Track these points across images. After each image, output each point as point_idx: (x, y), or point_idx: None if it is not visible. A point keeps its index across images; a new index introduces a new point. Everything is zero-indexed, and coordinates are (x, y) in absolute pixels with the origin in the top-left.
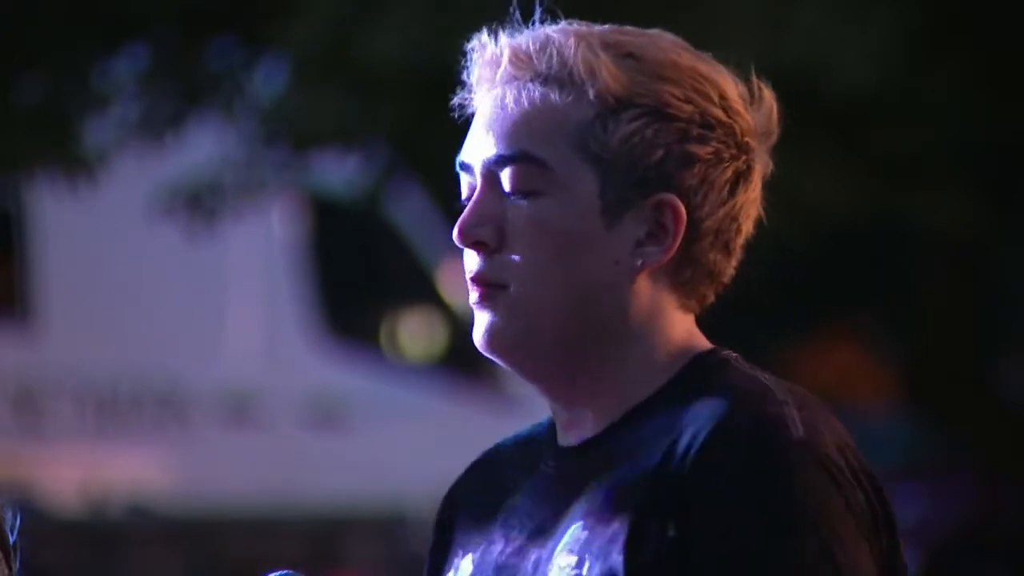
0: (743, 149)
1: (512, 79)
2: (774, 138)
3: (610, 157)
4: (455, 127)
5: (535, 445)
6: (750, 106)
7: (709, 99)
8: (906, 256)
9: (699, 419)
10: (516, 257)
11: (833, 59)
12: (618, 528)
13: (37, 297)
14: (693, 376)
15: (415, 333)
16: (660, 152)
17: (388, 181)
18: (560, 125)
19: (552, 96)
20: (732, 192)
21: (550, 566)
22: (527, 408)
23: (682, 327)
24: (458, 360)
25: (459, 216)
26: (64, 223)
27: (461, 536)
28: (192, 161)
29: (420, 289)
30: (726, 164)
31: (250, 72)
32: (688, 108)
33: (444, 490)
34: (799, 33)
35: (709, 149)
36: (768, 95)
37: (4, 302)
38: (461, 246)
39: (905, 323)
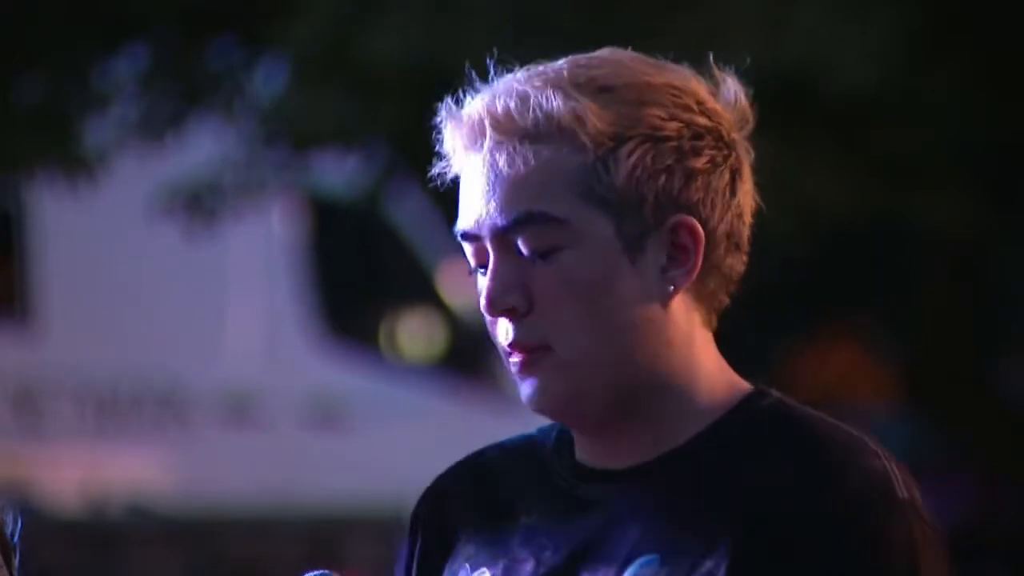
0: (731, 148)
1: (498, 144)
2: (751, 124)
3: (618, 196)
4: None
5: (538, 457)
6: (717, 98)
7: (690, 109)
8: (906, 256)
9: (786, 467)
10: (550, 317)
11: (833, 59)
12: (712, 569)
13: (37, 297)
14: (752, 416)
15: (415, 333)
16: (663, 177)
17: (388, 181)
18: (561, 177)
19: (545, 152)
20: (732, 192)
21: None
22: (526, 408)
23: (711, 352)
24: (458, 360)
25: (477, 284)
26: (64, 223)
27: (465, 548)
28: (192, 161)
29: (420, 290)
30: (722, 168)
31: (250, 72)
32: (675, 125)
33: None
34: (799, 33)
35: (704, 159)
36: (731, 82)
37: (4, 302)
38: (491, 316)
39: (905, 323)
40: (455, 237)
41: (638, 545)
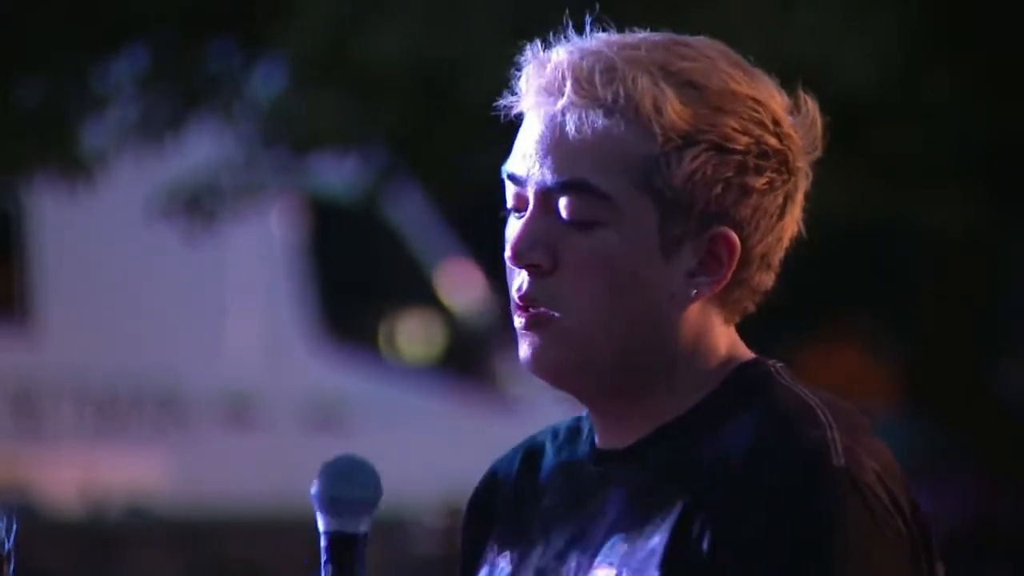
0: (793, 173)
1: (573, 105)
2: (818, 152)
3: (672, 194)
4: (454, 128)
5: (575, 441)
6: (794, 118)
7: (764, 127)
8: (906, 256)
9: (737, 439)
10: (569, 285)
11: (833, 59)
12: (656, 544)
13: (36, 298)
14: (735, 389)
15: (414, 335)
16: (720, 187)
17: (387, 183)
18: (623, 158)
19: (616, 128)
20: (781, 216)
21: None
22: (526, 409)
23: (725, 339)
24: (457, 362)
25: (508, 227)
26: (63, 225)
27: (500, 531)
28: (191, 163)
29: (419, 291)
30: (778, 192)
31: (249, 74)
32: (745, 140)
33: (446, 490)
34: (799, 33)
35: (764, 180)
36: (812, 106)
37: (3, 303)
38: (514, 267)
39: (905, 323)
40: (501, 173)
41: (613, 526)
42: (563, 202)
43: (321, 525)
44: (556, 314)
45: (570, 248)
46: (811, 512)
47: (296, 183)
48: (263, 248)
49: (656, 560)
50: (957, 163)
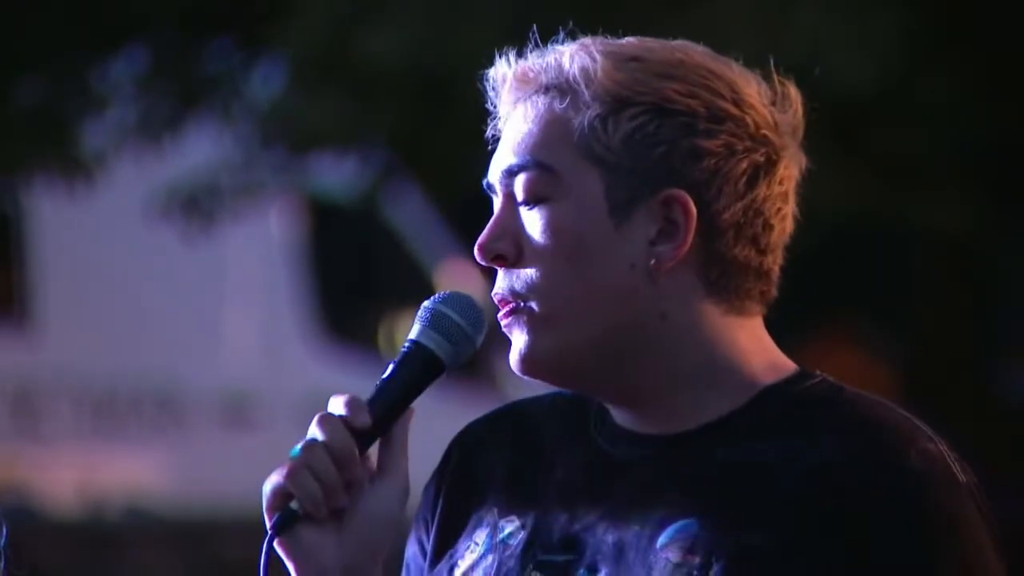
0: (760, 142)
1: (521, 97)
2: (800, 134)
3: (614, 157)
4: (454, 128)
5: (578, 415)
6: (774, 105)
7: (717, 93)
8: (906, 256)
9: (856, 449)
10: (533, 268)
11: (832, 59)
12: (761, 543)
13: (35, 299)
14: (801, 395)
15: None
16: (663, 148)
17: (386, 183)
18: (564, 131)
19: (555, 104)
20: (751, 185)
21: (652, 557)
22: None
23: (747, 334)
24: None
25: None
26: (62, 225)
27: (495, 496)
28: (190, 163)
29: (418, 291)
30: (740, 156)
31: (248, 74)
32: (692, 102)
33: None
34: (799, 33)
35: (718, 142)
36: (793, 93)
37: (2, 304)
38: (482, 263)
39: (905, 323)
40: (484, 188)
41: (675, 509)
42: (518, 185)
43: (411, 333)
44: (524, 303)
45: (527, 231)
46: (959, 524)
47: (295, 183)
48: (262, 248)
49: (766, 558)
50: (957, 163)
